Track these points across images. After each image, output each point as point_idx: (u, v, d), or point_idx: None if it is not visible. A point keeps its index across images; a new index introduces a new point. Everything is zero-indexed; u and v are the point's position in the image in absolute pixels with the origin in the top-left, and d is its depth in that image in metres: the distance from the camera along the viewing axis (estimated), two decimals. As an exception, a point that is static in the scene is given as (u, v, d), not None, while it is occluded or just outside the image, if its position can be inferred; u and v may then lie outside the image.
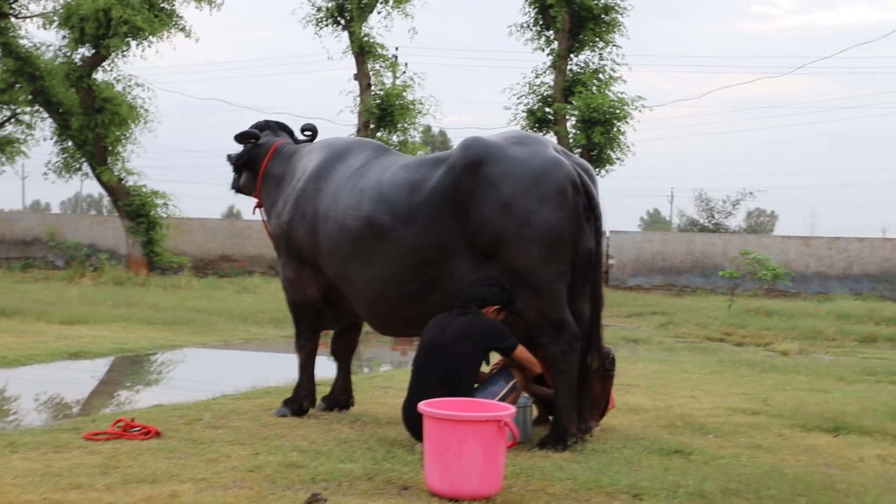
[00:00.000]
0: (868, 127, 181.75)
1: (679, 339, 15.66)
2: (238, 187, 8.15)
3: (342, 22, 25.77)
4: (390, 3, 25.79)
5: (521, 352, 6.18)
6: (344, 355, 7.78)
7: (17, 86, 26.45)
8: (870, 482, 5.28)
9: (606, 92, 24.32)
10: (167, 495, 4.70)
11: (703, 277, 29.00)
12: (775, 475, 5.37)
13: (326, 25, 25.98)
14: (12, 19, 25.92)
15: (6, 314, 14.79)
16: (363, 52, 25.60)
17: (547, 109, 25.37)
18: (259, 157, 7.90)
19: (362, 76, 25.85)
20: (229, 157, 8.11)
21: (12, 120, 28.66)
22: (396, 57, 27.21)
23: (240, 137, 7.99)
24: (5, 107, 27.98)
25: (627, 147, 24.49)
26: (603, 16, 24.69)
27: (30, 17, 26.75)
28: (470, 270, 6.34)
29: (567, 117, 24.85)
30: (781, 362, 12.11)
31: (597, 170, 23.96)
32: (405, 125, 25.91)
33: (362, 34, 25.39)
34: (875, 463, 6.15)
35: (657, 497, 4.94)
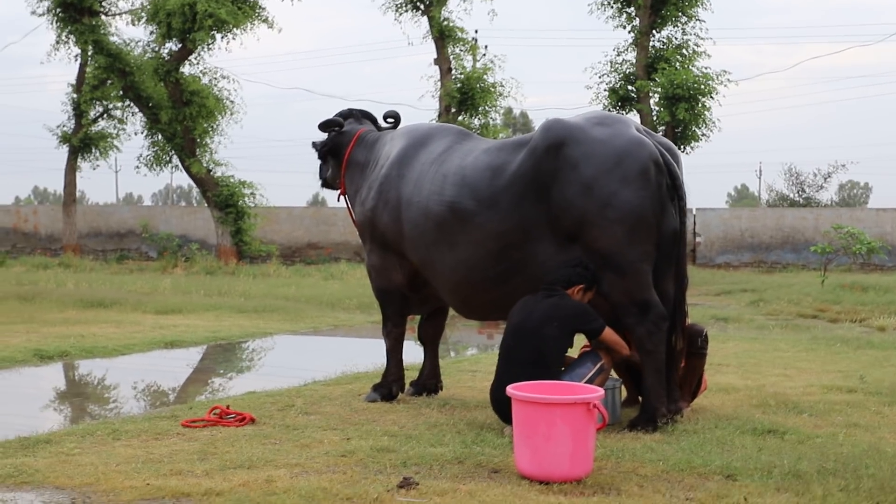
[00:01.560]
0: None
1: (770, 317, 15.35)
2: (325, 179, 8.24)
3: (421, 7, 25.81)
4: (469, -14, 25.74)
5: (609, 334, 6.14)
6: (431, 340, 7.83)
7: (109, 82, 27.23)
8: (973, 461, 5.12)
9: (690, 67, 23.88)
10: (263, 480, 4.82)
11: (793, 253, 28.35)
12: (874, 454, 5.25)
13: (406, 11, 26.06)
14: (102, 17, 26.64)
15: (104, 305, 15.27)
16: (443, 36, 25.62)
17: (629, 87, 25.03)
18: (343, 144, 7.98)
19: (442, 60, 25.88)
20: (314, 145, 8.21)
21: (104, 115, 29.46)
22: (476, 40, 27.16)
23: (324, 126, 8.08)
24: (98, 103, 28.79)
25: (713, 122, 24.02)
26: (685, -10, 24.22)
27: (118, 14, 27.51)
28: (553, 253, 6.32)
29: (650, 94, 24.47)
30: (878, 338, 11.79)
31: (682, 147, 23.58)
32: (486, 108, 25.86)
33: (441, 18, 25.41)
34: (979, 441, 5.96)
35: (751, 477, 4.87)
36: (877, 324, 14.00)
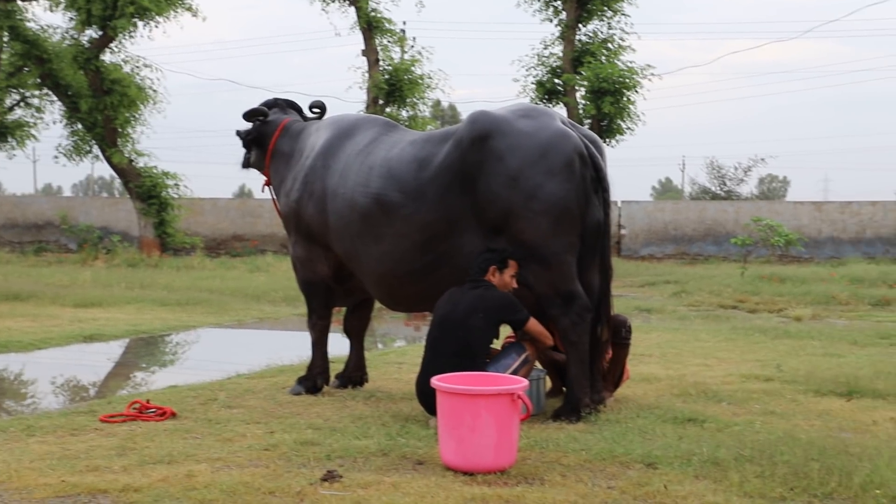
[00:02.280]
0: (879, 90, 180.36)
1: (692, 308, 15.64)
2: (247, 160, 8.13)
3: (348, -3, 25.65)
4: (396, -24, 25.67)
5: (533, 324, 6.18)
6: (356, 332, 7.80)
7: (26, 69, 26.52)
8: (883, 445, 5.27)
9: (615, 61, 24.18)
10: (184, 475, 4.74)
11: (715, 245, 28.93)
12: (789, 441, 5.37)
13: (333, 1, 25.86)
14: (19, 2, 25.92)
15: (21, 298, 14.88)
16: (370, 27, 25.50)
17: (556, 80, 25.25)
18: (267, 134, 7.89)
19: (370, 52, 25.76)
20: (238, 133, 8.10)
21: (21, 104, 28.71)
22: (404, 31, 27.14)
23: (248, 115, 7.98)
24: (14, 91, 28.04)
25: (638, 116, 24.38)
26: (610, -16, 24.50)
27: (36, -1, 26.76)
28: (479, 245, 6.33)
29: (576, 88, 24.72)
30: (795, 328, 12.09)
31: (607, 140, 23.88)
32: (414, 100, 25.85)
33: (369, 9, 25.29)
34: (889, 426, 6.14)
35: (671, 465, 4.95)
36: (793, 314, 14.37)
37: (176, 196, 26.56)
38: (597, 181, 6.38)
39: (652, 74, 24.20)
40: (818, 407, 6.75)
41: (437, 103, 52.05)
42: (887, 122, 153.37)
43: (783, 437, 5.53)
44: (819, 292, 16.78)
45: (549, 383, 7.10)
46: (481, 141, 6.28)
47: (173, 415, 6.32)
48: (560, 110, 23.20)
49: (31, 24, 25.78)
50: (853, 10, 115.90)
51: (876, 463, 4.77)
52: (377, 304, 7.87)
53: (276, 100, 8.23)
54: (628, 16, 25.15)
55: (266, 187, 8.01)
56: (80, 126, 26.07)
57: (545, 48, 25.81)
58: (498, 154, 6.23)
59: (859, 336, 10.99)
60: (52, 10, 25.07)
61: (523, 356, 6.21)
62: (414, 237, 6.54)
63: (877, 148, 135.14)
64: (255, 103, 8.16)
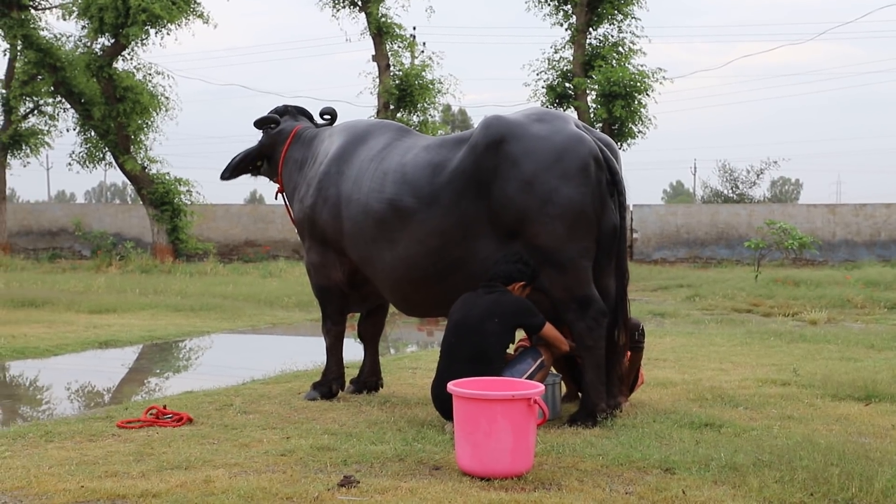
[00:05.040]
0: (892, 92, 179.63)
1: (706, 312, 15.61)
2: (237, 173, 8.12)
3: (359, 3, 25.69)
4: (407, -18, 25.72)
5: (549, 329, 6.17)
6: (371, 337, 7.80)
7: (39, 77, 26.66)
8: (903, 451, 5.24)
9: (626, 65, 24.17)
10: (201, 481, 4.74)
11: (728, 249, 28.85)
12: (807, 446, 5.34)
13: (343, 7, 25.93)
14: (32, 11, 26.06)
15: (36, 305, 14.95)
16: (380, 32, 25.55)
17: (567, 84, 25.25)
18: (279, 142, 7.91)
19: (380, 57, 25.80)
20: (257, 124, 8.07)
21: (35, 112, 28.85)
22: (414, 37, 27.18)
23: (259, 123, 8.00)
24: (28, 99, 28.18)
25: (649, 120, 24.37)
26: (620, -12, 24.49)
27: (49, 8, 26.91)
28: (494, 250, 6.32)
29: (587, 92, 24.71)
30: (810, 332, 12.03)
31: (618, 144, 23.83)
32: (425, 105, 25.89)
33: (379, 15, 25.34)
34: (908, 431, 6.10)
35: (689, 471, 4.93)
36: (809, 317, 14.31)
37: (188, 202, 26.66)
38: (612, 185, 6.36)
39: (663, 78, 24.20)
40: (836, 411, 6.70)
41: (448, 108, 52.19)
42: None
43: (802, 441, 5.51)
44: (834, 295, 16.71)
45: (564, 388, 7.08)
46: (496, 145, 6.27)
47: (190, 420, 6.32)
48: (571, 114, 23.20)
49: (44, 33, 25.94)
50: (866, 11, 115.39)
51: (896, 468, 4.75)
52: (390, 309, 7.87)
53: (286, 107, 8.25)
54: (639, 19, 25.17)
55: (279, 194, 8.02)
56: (93, 133, 26.19)
57: (556, 52, 25.85)
58: (512, 158, 6.22)
59: (876, 340, 10.92)
60: (65, 19, 25.21)
61: (539, 361, 6.20)
62: (428, 242, 6.53)
63: (890, 150, 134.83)
64: (266, 109, 8.19)
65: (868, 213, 28.55)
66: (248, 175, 8.21)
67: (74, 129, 27.08)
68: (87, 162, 27.19)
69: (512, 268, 6.17)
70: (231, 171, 8.09)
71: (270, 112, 8.10)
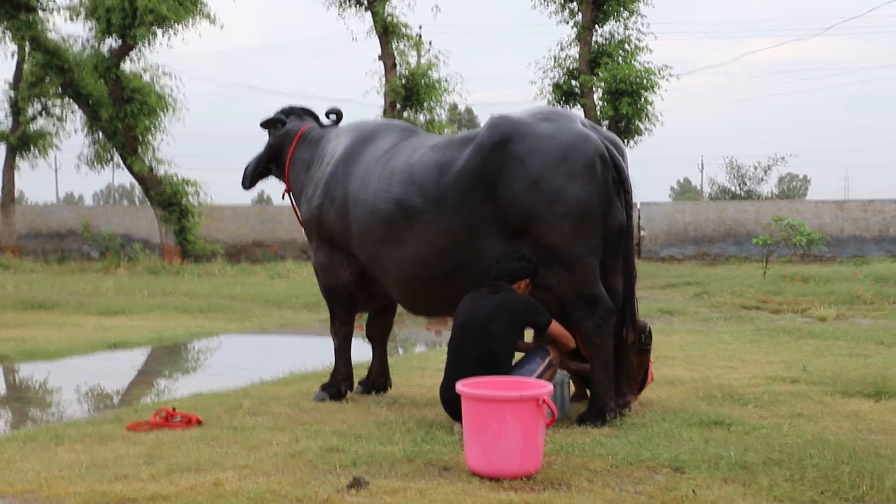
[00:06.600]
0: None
1: (714, 309, 15.56)
2: (257, 179, 8.16)
3: (365, 2, 25.68)
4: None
5: (556, 327, 6.16)
6: (379, 337, 7.80)
7: (47, 79, 26.71)
8: (914, 448, 5.23)
9: (633, 62, 24.08)
10: (211, 483, 4.75)
11: (736, 246, 28.78)
12: (818, 443, 5.33)
13: (349, 6, 25.91)
14: (40, 13, 26.11)
15: (45, 307, 14.99)
16: (387, 32, 25.52)
17: (573, 82, 25.18)
18: (286, 142, 7.92)
19: (387, 56, 25.78)
20: (263, 124, 8.10)
21: (43, 113, 28.91)
22: (420, 36, 27.13)
23: (265, 124, 8.02)
24: (36, 100, 28.25)
25: (655, 117, 24.27)
26: (626, -15, 24.42)
27: (56, 9, 26.94)
28: (501, 249, 6.32)
29: (594, 89, 24.64)
30: (819, 328, 12.00)
31: (625, 141, 23.81)
32: (431, 104, 25.84)
33: (385, 14, 25.31)
34: (918, 428, 6.08)
35: (698, 469, 4.92)
36: (818, 314, 14.27)
37: (196, 203, 26.66)
38: (618, 183, 6.35)
39: (669, 75, 24.11)
40: (846, 408, 6.68)
41: (454, 107, 52.24)
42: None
43: (812, 439, 5.49)
44: (843, 292, 16.65)
45: (573, 387, 7.07)
46: (502, 145, 6.27)
47: (199, 422, 6.34)
48: (577, 112, 23.16)
49: (51, 35, 25.94)
50: (873, 6, 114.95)
51: (907, 465, 4.73)
52: (398, 309, 7.88)
53: (291, 108, 8.26)
54: (644, 16, 25.04)
55: (286, 195, 8.03)
56: (100, 135, 26.21)
57: (561, 50, 25.76)
58: (519, 157, 6.22)
59: (885, 336, 10.89)
60: (72, 20, 25.22)
61: (547, 360, 6.19)
62: (436, 242, 6.53)
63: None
64: (273, 110, 8.20)
65: (876, 209, 28.44)
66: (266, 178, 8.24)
67: (82, 131, 27.11)
68: (94, 163, 27.21)
69: (516, 265, 6.17)
70: (250, 180, 8.15)
71: (276, 113, 8.11)
